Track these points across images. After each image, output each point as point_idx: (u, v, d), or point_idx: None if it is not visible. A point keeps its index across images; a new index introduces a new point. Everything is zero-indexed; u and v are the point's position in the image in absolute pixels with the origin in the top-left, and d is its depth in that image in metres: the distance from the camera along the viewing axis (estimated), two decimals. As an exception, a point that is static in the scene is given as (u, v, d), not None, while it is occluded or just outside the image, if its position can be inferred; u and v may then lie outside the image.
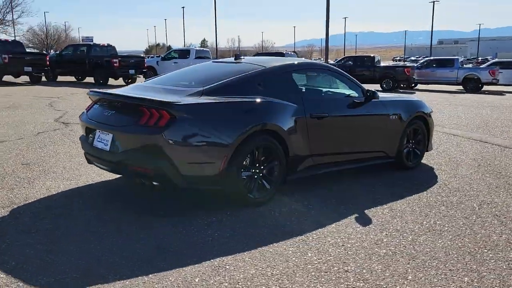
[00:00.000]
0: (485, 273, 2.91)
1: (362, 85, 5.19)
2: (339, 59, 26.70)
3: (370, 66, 22.69)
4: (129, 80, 20.15)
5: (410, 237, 3.47)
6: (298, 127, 4.30)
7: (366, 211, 4.06)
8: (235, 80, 4.19)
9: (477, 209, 4.21)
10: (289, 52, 24.56)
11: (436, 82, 23.12)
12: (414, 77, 21.96)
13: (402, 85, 22.21)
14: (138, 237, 3.31)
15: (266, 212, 3.92)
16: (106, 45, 20.97)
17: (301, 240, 3.35)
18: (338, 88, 5.18)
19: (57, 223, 3.56)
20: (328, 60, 28.75)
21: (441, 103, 14.85)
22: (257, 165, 4.05)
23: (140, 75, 20.72)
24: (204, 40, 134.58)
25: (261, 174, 4.10)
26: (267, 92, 4.25)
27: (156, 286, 2.62)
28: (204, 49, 23.79)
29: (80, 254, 3.00)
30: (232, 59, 5.09)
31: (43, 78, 20.64)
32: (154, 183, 3.71)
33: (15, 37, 48.22)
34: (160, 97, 3.74)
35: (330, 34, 27.28)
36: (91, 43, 24.26)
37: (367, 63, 22.86)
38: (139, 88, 4.38)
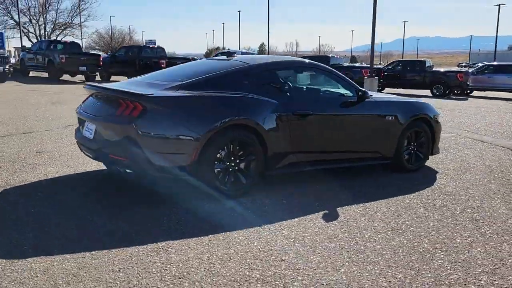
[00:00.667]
0: (423, 272, 2.89)
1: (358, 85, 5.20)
2: (386, 63, 26.09)
3: (420, 71, 22.02)
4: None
5: (368, 235, 3.48)
6: (279, 124, 4.39)
7: (338, 208, 4.09)
8: (214, 76, 4.38)
9: (457, 212, 4.11)
10: (336, 56, 24.35)
11: (494, 89, 22.05)
12: (468, 83, 21.05)
13: (455, 91, 21.37)
14: (101, 221, 3.55)
15: (236, 204, 4.05)
16: (156, 47, 21.87)
17: (255, 231, 3.46)
18: (333, 87, 5.21)
19: (35, 203, 3.89)
20: (375, 64, 28.15)
21: (488, 110, 14.21)
22: (233, 158, 4.19)
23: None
24: (263, 43, 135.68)
25: (236, 168, 4.23)
26: (248, 88, 4.39)
27: (94, 261, 2.84)
28: (249, 51, 24.12)
29: (38, 232, 3.29)
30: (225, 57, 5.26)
31: (98, 77, 21.87)
32: (128, 170, 3.96)
33: (81, 39, 51.23)
34: (137, 90, 3.99)
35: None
36: (142, 45, 25.35)
37: (417, 68, 22.20)
38: (130, 82, 4.67)
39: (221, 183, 4.13)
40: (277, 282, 2.67)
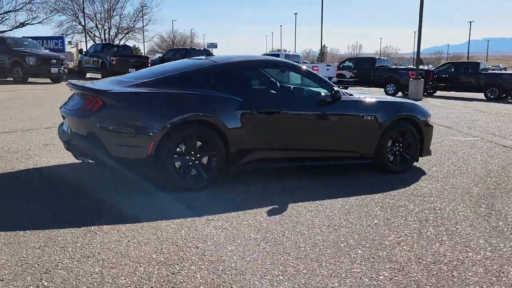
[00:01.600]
0: (326, 264, 2.94)
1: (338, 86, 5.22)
2: (438, 65, 25.10)
3: (474, 73, 21.09)
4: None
5: (299, 229, 3.54)
6: (243, 121, 4.54)
7: (291, 204, 4.17)
8: (178, 74, 4.61)
9: (413, 213, 4.07)
10: (383, 58, 23.78)
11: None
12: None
13: (513, 94, 20.27)
14: (50, 205, 3.88)
15: (191, 196, 4.24)
16: (202, 49, 22.56)
17: (191, 220, 3.64)
18: (314, 87, 5.26)
19: (13, 187, 4.31)
20: (428, 66, 27.12)
21: (534, 114, 13.39)
22: (193, 153, 4.40)
23: None
24: (324, 46, 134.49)
25: (197, 162, 4.43)
26: (212, 86, 4.59)
27: (22, 238, 3.16)
28: (294, 53, 24.25)
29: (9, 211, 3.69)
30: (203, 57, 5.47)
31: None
32: (90, 161, 4.29)
33: (143, 43, 53.56)
34: (100, 87, 4.31)
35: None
36: (188, 47, 26.21)
37: (470, 70, 21.28)
38: (108, 80, 5.01)
39: (180, 176, 4.35)
40: (176, 265, 2.84)
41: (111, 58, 20.42)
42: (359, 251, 3.19)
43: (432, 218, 3.96)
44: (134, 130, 4.17)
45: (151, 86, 4.43)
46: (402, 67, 25.20)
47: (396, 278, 2.80)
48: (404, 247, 3.30)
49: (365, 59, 23.76)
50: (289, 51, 23.56)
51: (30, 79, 18.72)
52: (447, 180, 5.27)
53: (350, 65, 22.91)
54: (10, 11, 30.17)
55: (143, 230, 3.40)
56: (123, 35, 49.38)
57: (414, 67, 20.32)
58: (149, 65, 21.69)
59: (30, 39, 21.05)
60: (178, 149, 4.33)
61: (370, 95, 5.87)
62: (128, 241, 3.19)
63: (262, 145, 4.71)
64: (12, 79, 18.40)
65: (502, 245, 3.42)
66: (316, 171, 5.36)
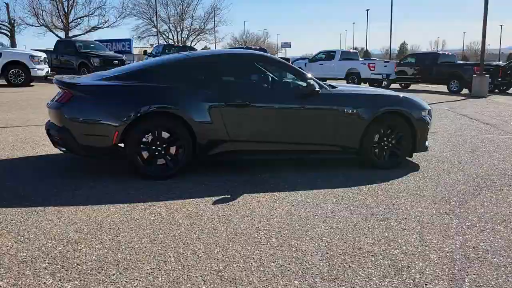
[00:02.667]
0: (212, 249, 2.99)
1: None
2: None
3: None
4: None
5: (235, 219, 3.59)
6: (211, 113, 4.65)
7: (247, 194, 4.20)
8: (147, 67, 4.84)
9: (365, 207, 3.96)
10: (447, 53, 22.48)
11: None
12: None
13: None
14: (21, 187, 4.25)
15: (151, 184, 4.43)
16: (258, 48, 22.81)
17: (132, 206, 3.82)
18: (286, 80, 5.25)
19: (9, 171, 4.78)
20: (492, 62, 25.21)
21: None
22: (159, 143, 4.59)
23: None
24: (404, 42, 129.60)
25: (163, 152, 4.61)
26: (181, 79, 4.75)
27: (-28, 214, 3.54)
28: (352, 51, 23.69)
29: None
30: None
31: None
32: (63, 149, 4.63)
33: (215, 43, 55.14)
34: (72, 80, 4.64)
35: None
36: (245, 46, 26.57)
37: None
38: (88, 75, 5.34)
39: (146, 165, 4.56)
40: (83, 243, 3.04)
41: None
42: (273, 240, 3.19)
43: (381, 213, 3.83)
44: (99, 121, 4.45)
45: (121, 79, 4.69)
46: (469, 62, 23.70)
47: (290, 266, 2.79)
48: (324, 238, 3.25)
49: (428, 55, 22.62)
50: (350, 49, 23.02)
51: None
52: (437, 178, 5.02)
53: (412, 61, 21.96)
54: (83, 16, 32.63)
55: (79, 212, 3.63)
56: (194, 36, 51.21)
57: (475, 63, 19.06)
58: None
59: (97, 42, 22.58)
60: (144, 139, 4.54)
61: (356, 88, 5.73)
62: (59, 221, 3.43)
63: (233, 137, 4.79)
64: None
65: (434, 241, 3.25)
66: (301, 164, 5.33)
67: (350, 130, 5.13)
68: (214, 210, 3.79)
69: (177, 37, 50.85)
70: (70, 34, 31.52)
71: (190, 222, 3.51)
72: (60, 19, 31.40)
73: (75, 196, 4.04)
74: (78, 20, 31.91)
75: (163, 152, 4.61)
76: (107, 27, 32.86)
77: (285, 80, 5.25)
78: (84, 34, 32.49)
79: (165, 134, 4.62)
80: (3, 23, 31.69)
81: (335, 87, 5.37)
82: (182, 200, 4.03)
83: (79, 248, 2.98)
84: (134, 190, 4.27)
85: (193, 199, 4.05)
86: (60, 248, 2.97)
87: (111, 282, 2.55)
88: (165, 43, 32.96)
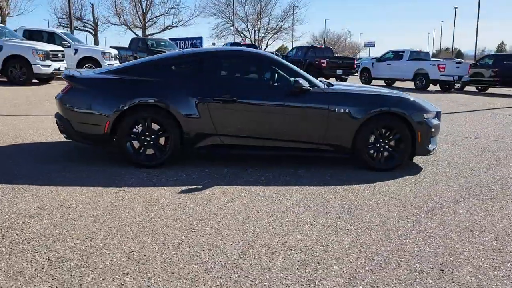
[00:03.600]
0: (159, 234, 3.21)
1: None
2: None
3: None
4: (338, 81, 21.50)
5: (187, 207, 3.81)
6: (198, 107, 4.89)
7: (218, 186, 4.38)
8: (143, 63, 5.16)
9: (325, 205, 3.99)
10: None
11: None
12: None
13: None
14: (13, 166, 4.77)
15: (137, 171, 4.76)
16: (323, 47, 22.69)
17: (102, 189, 4.17)
18: (276, 78, 5.32)
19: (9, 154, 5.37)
20: None
21: None
22: (148, 133, 4.91)
23: (349, 76, 21.68)
24: (502, 43, 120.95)
25: (152, 142, 4.93)
26: (171, 74, 5.04)
27: None
28: (422, 50, 22.64)
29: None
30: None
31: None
32: (64, 135, 5.11)
33: (292, 42, 55.31)
34: (73, 73, 5.10)
35: None
36: (310, 45, 26.40)
37: None
38: (96, 69, 5.79)
39: (135, 153, 4.90)
40: (33, 218, 3.41)
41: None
42: (207, 228, 3.36)
43: (336, 212, 3.83)
44: (93, 110, 4.86)
45: (117, 73, 5.09)
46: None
47: (201, 252, 2.95)
48: (257, 230, 3.35)
49: (509, 56, 21.06)
50: (421, 49, 22.01)
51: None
52: (429, 183, 4.85)
53: (489, 62, 20.58)
54: (158, 16, 34.45)
55: (52, 192, 4.02)
56: (271, 35, 51.78)
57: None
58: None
59: (168, 40, 23.74)
60: (135, 130, 4.88)
61: (354, 87, 5.65)
62: (31, 198, 3.85)
63: (220, 131, 4.99)
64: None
65: (367, 242, 3.23)
66: (294, 162, 5.40)
67: (341, 129, 5.11)
68: (175, 198, 4.02)
69: (254, 35, 51.80)
70: (147, 33, 33.51)
71: (144, 207, 3.77)
72: (138, 18, 33.52)
73: (60, 178, 4.47)
74: (154, 19, 33.89)
75: (151, 142, 4.92)
76: (180, 26, 34.53)
77: (276, 77, 5.32)
78: (159, 32, 34.44)
79: (155, 126, 4.92)
80: (88, 22, 34.48)
81: (332, 86, 5.37)
82: (154, 187, 4.31)
83: (28, 221, 3.35)
84: (117, 175, 4.62)
85: (164, 187, 4.31)
86: (13, 220, 3.37)
87: (32, 251, 2.88)
88: (232, 41, 33.71)
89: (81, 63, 17.10)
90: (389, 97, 5.35)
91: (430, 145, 5.40)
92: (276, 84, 5.26)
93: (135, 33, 32.64)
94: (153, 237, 3.17)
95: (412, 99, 5.37)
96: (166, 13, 33.76)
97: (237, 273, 2.71)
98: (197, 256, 2.91)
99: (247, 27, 51.68)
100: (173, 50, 21.80)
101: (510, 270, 2.89)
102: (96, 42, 34.39)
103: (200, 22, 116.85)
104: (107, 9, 38.41)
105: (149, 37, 30.01)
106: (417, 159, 5.77)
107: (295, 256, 2.96)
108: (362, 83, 22.22)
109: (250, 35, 52.06)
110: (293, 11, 53.04)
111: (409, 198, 4.30)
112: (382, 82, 22.27)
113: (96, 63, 17.22)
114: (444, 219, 3.78)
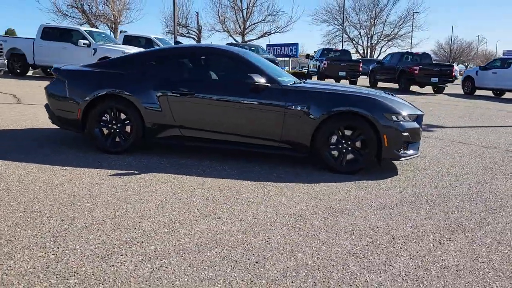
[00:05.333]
0: (79, 216, 3.61)
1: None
2: None
3: None
4: (435, 89, 20.30)
5: (118, 192, 4.06)
6: (159, 100, 5.22)
7: (160, 174, 4.64)
8: (122, 57, 5.68)
9: (247, 201, 4.06)
10: None
11: None
12: None
13: None
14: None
15: (101, 156, 5.23)
16: (420, 53, 21.51)
17: (48, 167, 4.68)
18: (237, 74, 5.39)
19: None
20: None
21: None
22: (114, 122, 5.37)
23: (447, 84, 20.36)
24: None
25: (118, 131, 5.37)
26: (139, 68, 5.43)
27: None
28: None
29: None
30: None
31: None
32: (51, 121, 5.78)
33: (411, 49, 52.93)
34: (58, 66, 5.75)
35: None
36: (404, 51, 24.95)
37: None
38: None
39: (103, 140, 5.38)
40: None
41: (323, 62, 21.74)
42: (119, 212, 3.62)
43: (255, 205, 3.87)
44: (68, 99, 5.45)
45: (98, 66, 5.65)
46: None
47: (86, 230, 3.27)
48: (155, 217, 3.57)
49: None
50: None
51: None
52: (390, 189, 4.62)
53: None
54: (257, 22, 35.51)
55: (30, 171, 4.59)
56: (385, 42, 50.14)
57: None
58: (360, 69, 22.16)
59: (260, 46, 24.59)
60: (104, 118, 5.37)
61: (319, 85, 5.51)
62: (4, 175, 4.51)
63: (179, 123, 5.26)
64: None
65: (254, 239, 3.27)
66: (266, 157, 5.47)
67: (298, 128, 5.05)
68: (99, 178, 4.38)
69: (367, 42, 50.60)
70: (246, 39, 34.78)
71: (61, 183, 4.19)
72: (238, 25, 34.99)
73: (48, 158, 5.04)
74: (253, 26, 35.03)
75: (118, 130, 5.37)
76: (277, 32, 35.19)
77: (236, 73, 5.39)
78: (257, 39, 35.54)
79: (123, 115, 5.36)
80: (192, 29, 36.90)
81: (298, 83, 5.36)
82: (95, 169, 4.72)
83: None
84: (80, 158, 5.13)
85: (105, 169, 4.70)
86: None
87: None
88: (326, 47, 33.21)
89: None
90: (352, 96, 5.13)
91: (402, 150, 5.06)
92: (235, 80, 5.35)
93: (234, 39, 34.19)
94: (60, 214, 3.44)
95: (380, 98, 5.08)
96: (263, 20, 34.81)
97: (108, 263, 2.96)
98: (80, 235, 3.18)
99: (360, 34, 50.74)
100: (262, 55, 22.44)
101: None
102: None
103: (303, 29, 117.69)
104: (212, 17, 40.92)
105: (241, 43, 31.17)
106: (419, 164, 5.43)
107: (201, 237, 3.12)
108: (464, 93, 20.66)
109: (362, 42, 51.04)
110: (413, 17, 50.76)
111: (343, 200, 4.14)
112: (487, 93, 20.51)
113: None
114: (349, 223, 3.61)
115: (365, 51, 50.38)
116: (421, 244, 3.26)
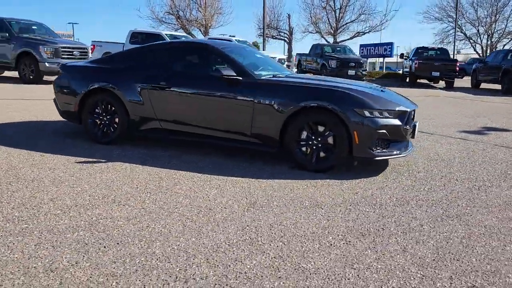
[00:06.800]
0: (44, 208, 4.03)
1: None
2: None
3: None
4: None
5: (86, 186, 4.50)
6: (141, 93, 5.46)
7: (126, 164, 4.87)
8: (117, 53, 6.03)
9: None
10: None
11: None
12: None
13: None
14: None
15: (95, 146, 5.62)
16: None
17: (27, 153, 5.16)
18: (212, 68, 5.41)
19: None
20: None
21: None
22: (104, 114, 5.73)
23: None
24: None
25: (107, 122, 5.73)
26: (127, 64, 5.72)
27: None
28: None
29: None
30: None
31: (464, 84, 21.55)
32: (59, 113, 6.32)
33: None
34: (65, 62, 6.26)
35: None
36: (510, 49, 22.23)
37: None
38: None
39: (94, 130, 5.77)
40: None
41: (415, 62, 20.57)
42: (80, 200, 3.99)
43: (167, 197, 3.95)
44: (67, 92, 5.94)
45: (96, 62, 6.07)
46: None
47: (53, 220, 3.65)
48: (113, 207, 3.83)
49: None
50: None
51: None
52: (350, 190, 4.36)
53: None
54: (348, 22, 34.40)
55: (26, 157, 5.21)
56: (508, 40, 45.56)
57: None
58: (457, 69, 20.59)
59: (347, 46, 23.94)
60: (97, 110, 5.77)
61: (294, 78, 5.29)
62: (-23, 153, 5.13)
63: (159, 117, 5.46)
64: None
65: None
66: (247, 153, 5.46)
67: (267, 122, 4.94)
68: (83, 169, 4.59)
69: (486, 41, 46.40)
70: (338, 40, 33.91)
71: (24, 166, 4.60)
72: (330, 26, 34.23)
73: (50, 146, 5.57)
74: (344, 26, 33.96)
75: (107, 122, 5.72)
76: (369, 32, 33.61)
77: (212, 67, 5.40)
78: (349, 39, 34.42)
79: (112, 108, 5.70)
80: (283, 31, 36.99)
81: (276, 77, 5.28)
82: (69, 156, 5.08)
83: None
84: (69, 147, 5.56)
85: (91, 159, 4.98)
86: None
87: None
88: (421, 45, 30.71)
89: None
90: (322, 89, 4.88)
91: (379, 149, 4.71)
92: (210, 74, 5.38)
93: (326, 40, 33.53)
94: (13, 196, 3.76)
95: (351, 92, 4.77)
96: (355, 20, 33.60)
97: (64, 248, 3.30)
98: (38, 221, 3.58)
99: (478, 31, 46.69)
100: (344, 55, 21.94)
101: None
102: (289, 50, 36.66)
103: (412, 28, 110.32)
104: (305, 19, 40.56)
105: (331, 43, 30.49)
106: (415, 164, 5.05)
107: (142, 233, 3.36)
108: None
109: (481, 41, 46.91)
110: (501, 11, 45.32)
111: (265, 194, 4.01)
112: None
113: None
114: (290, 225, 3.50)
115: (484, 51, 46.26)
116: (309, 244, 3.04)
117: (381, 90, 5.43)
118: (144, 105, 5.46)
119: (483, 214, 3.77)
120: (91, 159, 4.99)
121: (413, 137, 5.14)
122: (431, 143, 6.77)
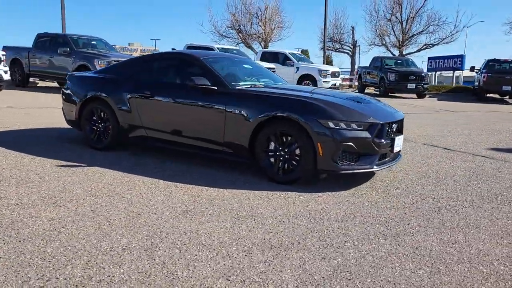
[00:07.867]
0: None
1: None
2: None
3: None
4: None
5: (59, 188, 4.81)
6: (130, 102, 5.70)
7: (102, 168, 5.16)
8: (116, 63, 6.32)
9: (126, 195, 4.30)
10: None
11: None
12: None
13: None
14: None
15: (91, 151, 5.94)
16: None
17: (15, 154, 5.55)
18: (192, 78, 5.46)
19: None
20: None
21: None
22: (99, 121, 6.04)
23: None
24: None
25: (102, 129, 6.02)
26: (120, 74, 6.00)
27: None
28: None
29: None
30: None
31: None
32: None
33: None
34: (72, 72, 6.66)
35: None
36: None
37: None
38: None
39: (91, 136, 6.10)
40: None
41: (483, 75, 19.35)
42: (35, 197, 4.33)
43: (135, 204, 4.10)
44: (70, 100, 6.33)
45: (100, 72, 6.43)
46: None
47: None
48: (63, 210, 4.11)
49: None
50: None
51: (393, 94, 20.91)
52: (303, 203, 4.26)
53: None
54: (415, 34, 32.77)
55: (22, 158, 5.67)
56: None
57: None
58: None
59: (407, 59, 23.38)
60: (94, 118, 6.10)
61: (271, 89, 5.25)
62: (-21, 155, 5.62)
63: (145, 124, 5.66)
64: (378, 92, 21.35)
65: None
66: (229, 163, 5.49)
67: (236, 132, 4.96)
68: (56, 172, 4.87)
69: None
70: (405, 52, 32.43)
71: (26, 175, 4.94)
72: (396, 38, 32.85)
73: (43, 150, 6.05)
74: (411, 38, 32.37)
75: (102, 129, 6.03)
76: (437, 44, 31.61)
77: (191, 77, 5.45)
78: (417, 51, 32.70)
79: (106, 116, 6.00)
80: (346, 43, 36.17)
81: (251, 86, 5.29)
82: (53, 159, 5.38)
83: None
84: (64, 151, 5.91)
85: (73, 163, 5.27)
86: None
87: None
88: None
89: (300, 80, 18.91)
90: (288, 99, 4.80)
91: (346, 162, 4.55)
92: (187, 83, 5.45)
93: (392, 53, 32.20)
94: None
95: (316, 103, 4.64)
96: (421, 32, 31.85)
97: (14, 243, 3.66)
98: None
99: None
100: (404, 68, 21.19)
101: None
102: (352, 63, 35.81)
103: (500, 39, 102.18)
104: (370, 31, 39.16)
105: (394, 56, 29.37)
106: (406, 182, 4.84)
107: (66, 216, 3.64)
108: None
109: None
110: None
111: (214, 204, 4.01)
112: None
113: (312, 80, 18.71)
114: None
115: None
116: (205, 253, 3.00)
117: (367, 101, 5.21)
118: (132, 113, 5.69)
119: (427, 235, 3.51)
120: (72, 163, 5.27)
121: (392, 151, 4.88)
122: (440, 159, 6.37)
